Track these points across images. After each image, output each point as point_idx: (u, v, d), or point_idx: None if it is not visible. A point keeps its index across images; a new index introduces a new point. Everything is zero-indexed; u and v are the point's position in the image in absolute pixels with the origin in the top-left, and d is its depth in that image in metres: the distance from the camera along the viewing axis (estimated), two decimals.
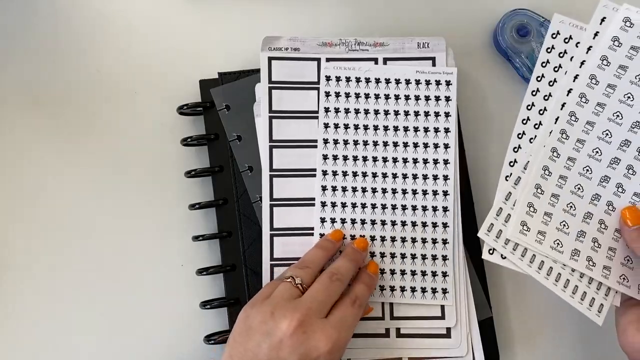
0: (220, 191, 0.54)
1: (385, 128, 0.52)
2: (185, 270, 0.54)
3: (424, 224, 0.51)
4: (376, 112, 0.52)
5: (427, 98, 0.52)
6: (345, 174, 0.52)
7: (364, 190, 0.52)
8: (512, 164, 0.48)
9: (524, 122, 0.49)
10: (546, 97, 0.48)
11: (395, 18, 0.58)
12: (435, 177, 0.52)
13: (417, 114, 0.52)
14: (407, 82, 0.52)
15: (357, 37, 0.53)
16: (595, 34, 0.48)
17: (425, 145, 0.52)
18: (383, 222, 0.51)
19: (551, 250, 0.47)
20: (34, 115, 0.55)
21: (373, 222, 0.51)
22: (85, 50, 0.56)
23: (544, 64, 0.49)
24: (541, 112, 0.48)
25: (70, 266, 0.54)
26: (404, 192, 0.52)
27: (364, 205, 0.51)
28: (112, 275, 0.54)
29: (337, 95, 0.52)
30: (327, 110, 0.52)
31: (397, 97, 0.52)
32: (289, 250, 0.51)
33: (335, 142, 0.52)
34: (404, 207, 0.51)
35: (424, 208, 0.51)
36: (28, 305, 0.53)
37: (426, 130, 0.52)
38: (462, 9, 0.58)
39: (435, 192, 0.52)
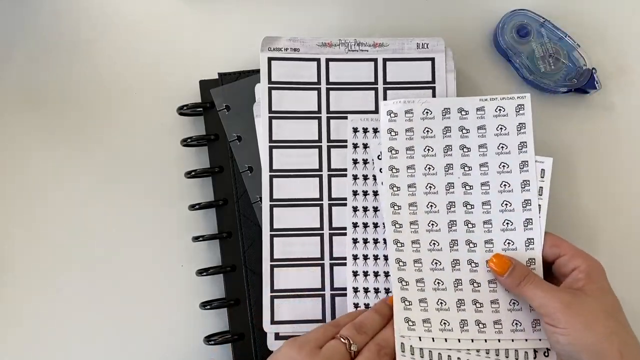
0: (220, 192, 0.54)
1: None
2: (185, 270, 0.54)
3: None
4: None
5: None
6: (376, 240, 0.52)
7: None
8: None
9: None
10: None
11: (395, 19, 0.58)
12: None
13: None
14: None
15: (356, 37, 0.53)
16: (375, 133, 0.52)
17: None
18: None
19: (442, 332, 0.47)
20: (33, 116, 0.55)
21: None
22: (86, 50, 0.56)
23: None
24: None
25: (69, 267, 0.54)
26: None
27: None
28: (111, 276, 0.54)
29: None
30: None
31: None
32: (289, 251, 0.51)
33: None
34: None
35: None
36: (27, 306, 0.53)
37: None
38: (462, 9, 0.58)
39: None
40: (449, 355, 0.47)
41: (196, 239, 0.53)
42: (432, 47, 0.53)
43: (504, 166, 0.49)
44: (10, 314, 0.53)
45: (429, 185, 0.49)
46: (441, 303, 0.48)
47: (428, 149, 0.50)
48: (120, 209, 0.54)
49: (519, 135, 0.50)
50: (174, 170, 0.55)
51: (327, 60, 0.53)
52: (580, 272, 0.45)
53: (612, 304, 0.44)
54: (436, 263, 0.48)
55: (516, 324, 0.48)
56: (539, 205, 0.49)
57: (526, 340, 0.48)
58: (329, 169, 0.52)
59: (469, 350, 0.47)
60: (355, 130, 0.52)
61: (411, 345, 0.47)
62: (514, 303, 0.48)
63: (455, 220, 0.49)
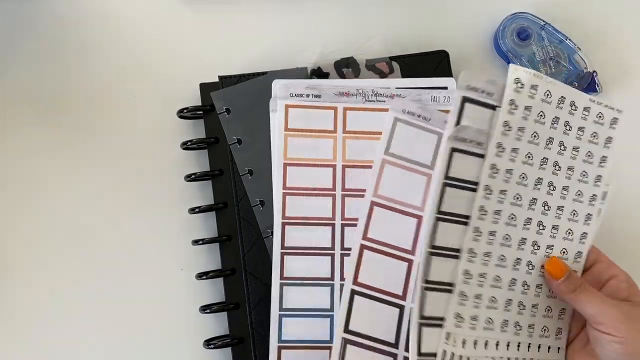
0: (220, 195, 0.53)
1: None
2: (185, 274, 0.54)
3: None
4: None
5: None
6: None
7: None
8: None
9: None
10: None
11: (395, 21, 0.58)
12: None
13: None
14: None
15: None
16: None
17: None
18: None
19: (484, 331, 0.46)
20: (33, 119, 0.55)
21: None
22: (85, 54, 0.56)
23: None
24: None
25: (69, 270, 0.53)
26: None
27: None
28: (111, 280, 0.54)
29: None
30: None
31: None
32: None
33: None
34: None
35: None
36: (25, 309, 0.53)
37: None
38: (462, 12, 0.58)
39: None
40: None
41: (196, 242, 0.53)
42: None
43: (584, 175, 0.48)
44: (9, 317, 0.53)
45: (522, 175, 0.47)
46: (492, 300, 0.47)
47: (534, 135, 0.46)
48: (120, 212, 0.54)
49: (604, 148, 0.48)
50: (174, 174, 0.54)
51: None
52: (620, 281, 0.47)
53: None
54: (502, 259, 0.47)
55: (544, 329, 0.48)
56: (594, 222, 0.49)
57: (549, 348, 0.48)
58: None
59: (502, 357, 0.47)
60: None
61: (452, 353, 0.45)
62: (548, 310, 0.48)
63: (531, 219, 0.47)
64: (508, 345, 0.47)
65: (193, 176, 0.53)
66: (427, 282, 0.44)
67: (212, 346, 0.51)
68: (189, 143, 0.54)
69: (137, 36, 0.57)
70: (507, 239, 0.47)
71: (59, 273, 0.53)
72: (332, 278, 0.51)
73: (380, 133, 0.53)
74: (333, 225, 0.52)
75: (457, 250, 0.45)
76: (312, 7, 0.58)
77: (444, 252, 0.45)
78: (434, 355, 0.44)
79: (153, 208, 0.54)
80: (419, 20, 0.58)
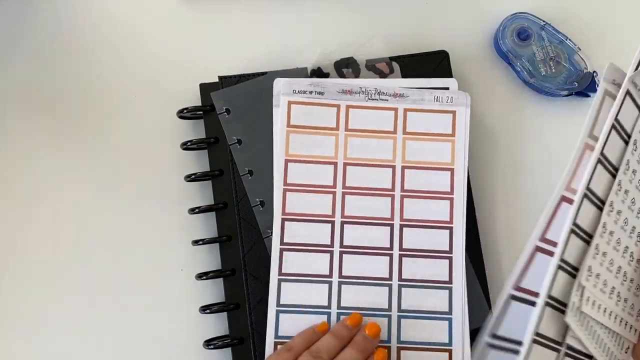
0: (220, 195, 0.53)
1: None
2: (185, 274, 0.54)
3: None
4: None
5: None
6: None
7: None
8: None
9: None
10: None
11: (395, 21, 0.58)
12: None
13: None
14: None
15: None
16: None
17: None
18: None
19: (599, 292, 0.45)
20: (34, 120, 0.55)
21: None
22: (86, 55, 0.56)
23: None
24: None
25: (69, 271, 0.53)
26: None
27: None
28: (111, 280, 0.53)
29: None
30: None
31: None
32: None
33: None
34: None
35: None
36: (25, 308, 0.53)
37: None
38: (462, 12, 0.58)
39: None
40: (590, 325, 0.46)
41: (196, 242, 0.53)
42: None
43: None
44: (8, 318, 0.53)
45: None
46: (611, 263, 0.46)
47: None
48: (120, 212, 0.54)
49: None
50: (174, 174, 0.54)
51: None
52: None
53: None
54: (625, 222, 0.46)
55: (632, 307, 0.48)
56: None
57: (629, 326, 0.48)
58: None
59: (602, 325, 0.46)
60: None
61: (577, 307, 0.44)
62: (638, 288, 0.48)
63: None
64: (610, 314, 0.47)
65: (193, 176, 0.53)
66: (575, 225, 0.43)
67: (212, 346, 0.51)
68: (189, 143, 0.54)
69: (137, 36, 0.57)
70: (633, 202, 0.46)
71: (59, 273, 0.53)
72: (330, 275, 0.51)
73: (381, 132, 0.53)
74: (333, 222, 0.52)
75: (602, 202, 0.44)
76: (312, 7, 0.58)
77: (593, 197, 0.44)
78: (562, 304, 0.43)
79: (153, 208, 0.54)
80: (419, 20, 0.58)
